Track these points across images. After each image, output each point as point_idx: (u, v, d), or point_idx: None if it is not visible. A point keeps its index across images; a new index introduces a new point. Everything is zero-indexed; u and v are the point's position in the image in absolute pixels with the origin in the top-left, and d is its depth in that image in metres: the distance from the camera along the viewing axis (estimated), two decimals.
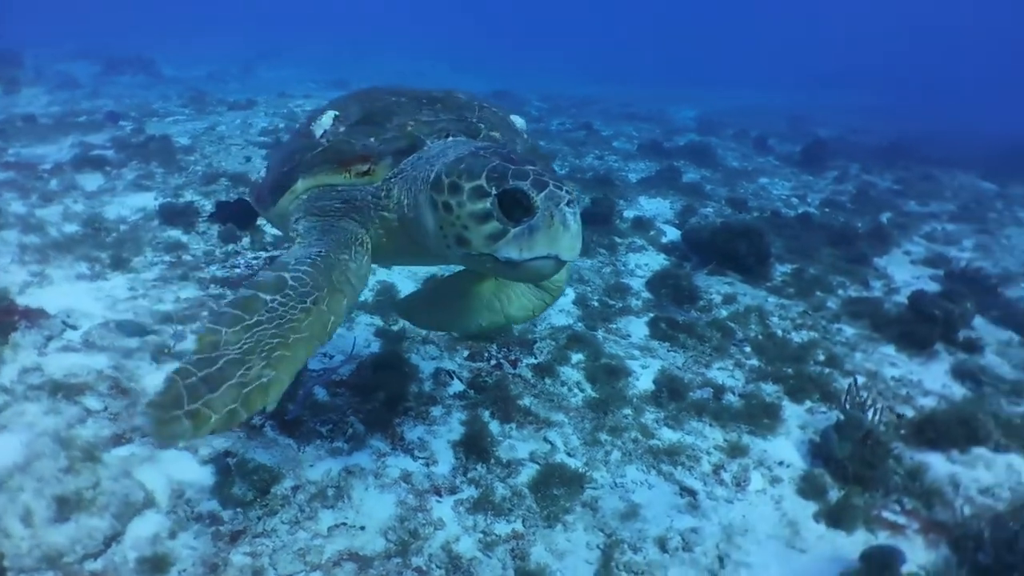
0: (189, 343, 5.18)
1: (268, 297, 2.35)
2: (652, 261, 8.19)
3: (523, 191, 2.25)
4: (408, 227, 2.79)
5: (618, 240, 8.60)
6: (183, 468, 3.76)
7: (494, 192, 2.28)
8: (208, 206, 8.31)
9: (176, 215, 7.80)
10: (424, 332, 5.66)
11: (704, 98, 30.68)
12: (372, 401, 4.63)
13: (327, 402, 4.62)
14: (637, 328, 6.33)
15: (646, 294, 7.15)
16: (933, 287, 8.34)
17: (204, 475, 3.75)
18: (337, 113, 3.00)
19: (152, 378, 4.53)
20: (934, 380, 6.07)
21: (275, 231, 7.70)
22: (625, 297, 6.95)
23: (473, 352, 5.55)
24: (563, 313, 6.50)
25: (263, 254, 7.20)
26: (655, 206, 10.58)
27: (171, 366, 4.82)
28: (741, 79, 39.80)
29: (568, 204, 2.28)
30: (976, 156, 18.45)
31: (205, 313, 5.77)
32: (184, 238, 7.36)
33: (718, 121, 23.07)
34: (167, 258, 6.87)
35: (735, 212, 10.80)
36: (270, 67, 28.89)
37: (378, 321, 6.02)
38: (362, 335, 5.74)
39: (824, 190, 13.97)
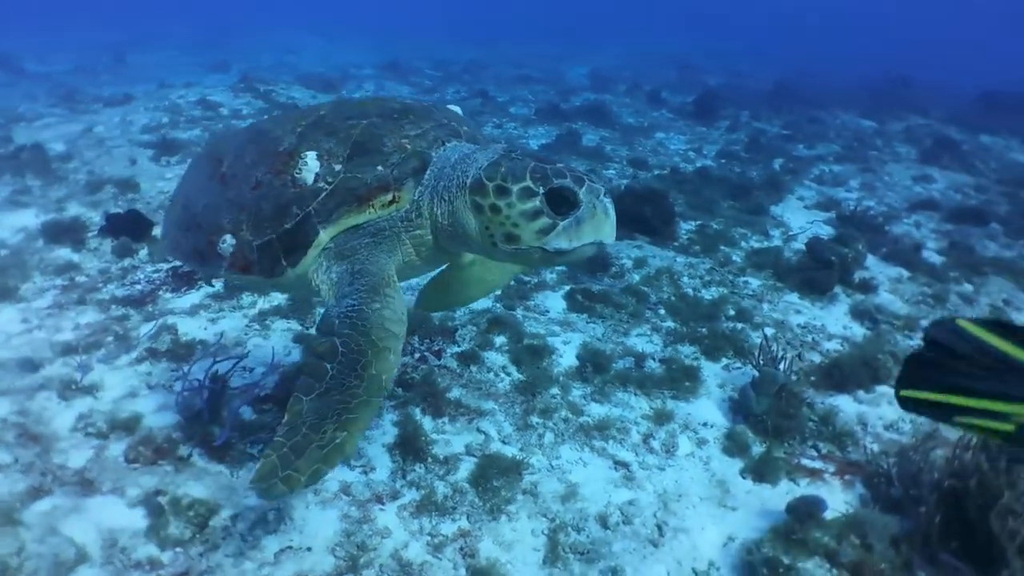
0: (99, 374, 4.95)
1: (328, 365, 2.56)
2: None
3: (569, 188, 2.50)
4: (443, 237, 2.92)
5: None
6: (112, 514, 3.60)
7: (542, 191, 2.51)
8: (96, 218, 7.85)
9: (62, 232, 7.33)
10: None
11: (592, 51, 30.97)
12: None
13: (254, 420, 4.51)
14: (555, 303, 6.42)
15: (560, 266, 7.23)
16: (827, 231, 8.80)
17: (136, 519, 3.60)
18: (317, 152, 2.84)
19: (63, 419, 4.31)
20: (836, 323, 6.43)
21: None
22: (539, 271, 7.02)
23: None
24: None
25: (164, 266, 6.87)
26: None
27: (82, 402, 4.64)
28: (622, 27, 40.46)
29: (604, 195, 2.56)
30: (852, 94, 19.43)
31: (111, 339, 5.50)
32: (75, 257, 6.95)
33: (610, 76, 23.35)
34: (59, 281, 6.48)
35: (637, 172, 11.02)
36: (142, 52, 27.24)
37: (295, 325, 5.88)
38: (280, 342, 5.61)
39: (718, 141, 14.41)
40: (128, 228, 7.30)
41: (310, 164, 2.81)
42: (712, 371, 5.42)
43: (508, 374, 5.22)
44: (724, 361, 5.58)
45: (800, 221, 9.26)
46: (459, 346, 5.55)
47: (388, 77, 21.42)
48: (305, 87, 16.24)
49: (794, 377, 5.16)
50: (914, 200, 10.59)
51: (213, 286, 6.39)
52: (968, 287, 7.39)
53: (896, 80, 20.55)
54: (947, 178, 11.98)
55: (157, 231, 7.43)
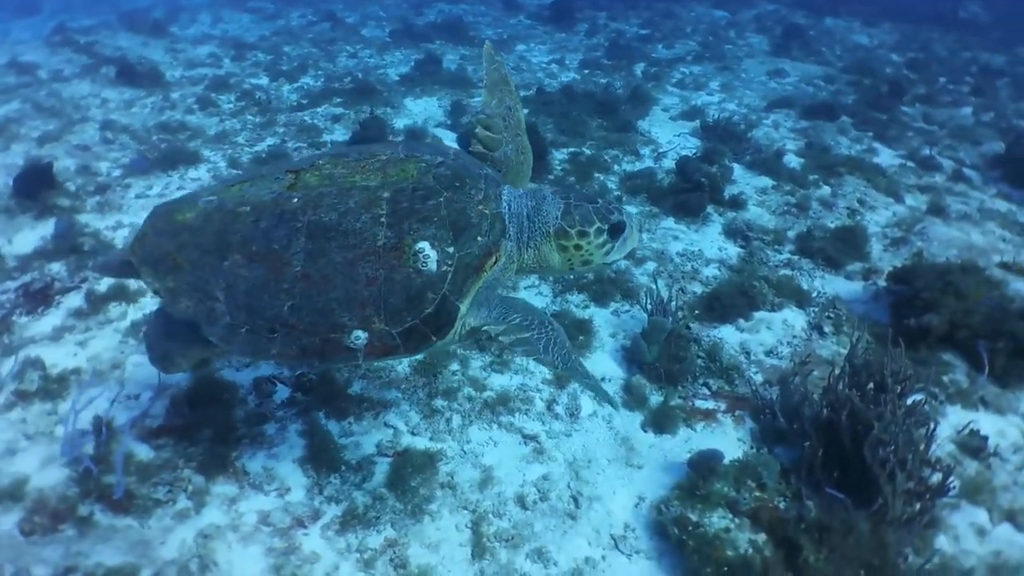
0: None
1: (528, 335, 3.22)
2: None
3: (622, 221, 3.53)
4: (523, 269, 3.70)
5: None
6: None
7: (606, 227, 3.49)
8: None
9: None
10: None
11: None
12: (200, 442, 4.38)
13: (153, 459, 4.29)
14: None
15: None
16: (694, 144, 9.03)
17: None
18: (428, 242, 3.16)
19: None
20: (712, 245, 6.71)
21: (15, 251, 6.74)
22: None
23: None
24: None
25: (11, 284, 6.24)
26: (423, 108, 10.34)
27: None
28: None
29: (632, 218, 3.62)
30: None
31: None
32: None
33: None
34: None
35: None
36: None
37: None
38: None
39: (579, 48, 14.30)
40: None
41: (430, 254, 3.14)
42: (603, 319, 5.57)
43: None
44: (613, 306, 5.74)
45: (668, 135, 9.44)
46: None
47: (223, 5, 19.75)
48: (132, 32, 14.75)
49: (680, 315, 5.39)
50: (771, 98, 10.97)
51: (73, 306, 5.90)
52: (826, 190, 7.83)
53: None
54: (798, 70, 12.45)
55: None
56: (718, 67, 12.60)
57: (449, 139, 9.13)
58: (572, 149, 8.71)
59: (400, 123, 9.66)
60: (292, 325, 3.17)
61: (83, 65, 12.53)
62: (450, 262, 3.16)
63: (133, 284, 6.16)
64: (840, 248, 6.53)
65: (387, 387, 4.86)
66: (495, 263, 3.37)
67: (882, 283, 5.95)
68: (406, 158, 3.42)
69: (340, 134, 9.32)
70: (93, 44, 13.56)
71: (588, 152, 8.67)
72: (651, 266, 6.26)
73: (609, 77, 12.04)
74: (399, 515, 3.91)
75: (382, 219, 3.17)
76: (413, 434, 4.48)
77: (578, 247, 3.52)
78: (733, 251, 6.65)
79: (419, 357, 5.75)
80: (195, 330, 3.34)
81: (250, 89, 11.32)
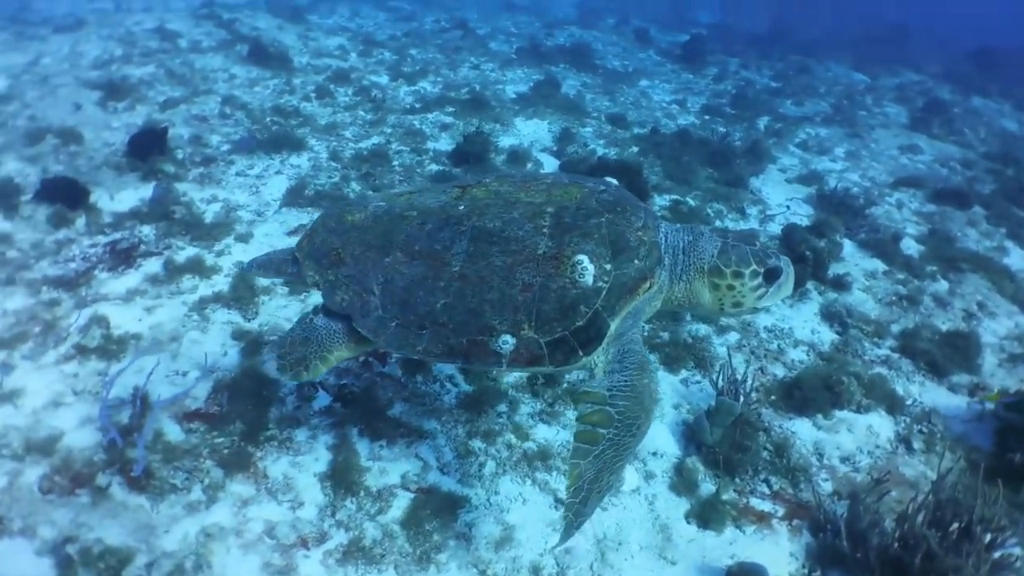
0: (22, 374, 4.65)
1: (605, 431, 3.03)
2: None
3: (779, 266, 3.48)
4: (671, 304, 3.65)
5: None
6: (18, 564, 3.37)
7: (762, 271, 3.45)
8: (34, 177, 7.36)
9: None
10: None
11: None
12: (230, 435, 4.29)
13: (180, 443, 4.23)
14: None
15: None
16: (806, 211, 8.49)
17: (43, 569, 3.38)
18: (588, 255, 3.23)
19: None
20: (804, 325, 6.20)
21: (114, 207, 6.95)
22: None
23: None
24: None
25: (102, 239, 6.45)
26: (533, 130, 10.17)
27: (2, 411, 4.34)
28: None
29: (789, 264, 3.58)
30: (848, 42, 18.74)
31: (38, 329, 5.16)
32: (7, 226, 6.50)
33: (599, 8, 22.39)
34: None
35: (615, 130, 10.54)
36: None
37: (236, 317, 5.55)
38: (218, 338, 5.28)
39: (704, 92, 13.86)
40: (64, 195, 6.83)
41: (588, 267, 3.20)
42: (669, 385, 5.19)
43: (455, 384, 4.96)
44: (684, 373, 5.35)
45: (780, 197, 8.92)
46: None
47: (364, 1, 20.31)
48: (272, 15, 15.30)
49: (754, 396, 4.95)
50: (899, 174, 10.23)
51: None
52: (943, 285, 7.15)
53: (894, 29, 19.79)
54: (935, 148, 11.60)
55: (96, 198, 7.00)
56: (847, 133, 11.90)
57: (551, 165, 8.93)
58: (675, 196, 8.33)
59: (506, 142, 9.52)
60: (442, 323, 3.27)
61: (220, 40, 13.05)
62: (606, 279, 3.23)
63: (209, 260, 6.23)
64: (948, 354, 5.89)
65: (428, 415, 4.65)
66: (648, 288, 3.37)
67: (990, 404, 5.30)
68: (570, 183, 3.56)
69: (445, 143, 9.26)
70: (234, 21, 14.13)
71: (692, 202, 8.27)
72: (733, 337, 5.82)
73: (729, 126, 11.57)
74: (405, 558, 3.68)
75: (544, 230, 3.28)
76: (442, 472, 4.25)
77: (731, 287, 3.49)
78: (827, 336, 6.12)
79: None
80: (346, 323, 3.51)
81: (368, 86, 11.47)
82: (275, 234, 6.80)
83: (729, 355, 5.20)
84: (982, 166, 11.05)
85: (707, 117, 12.12)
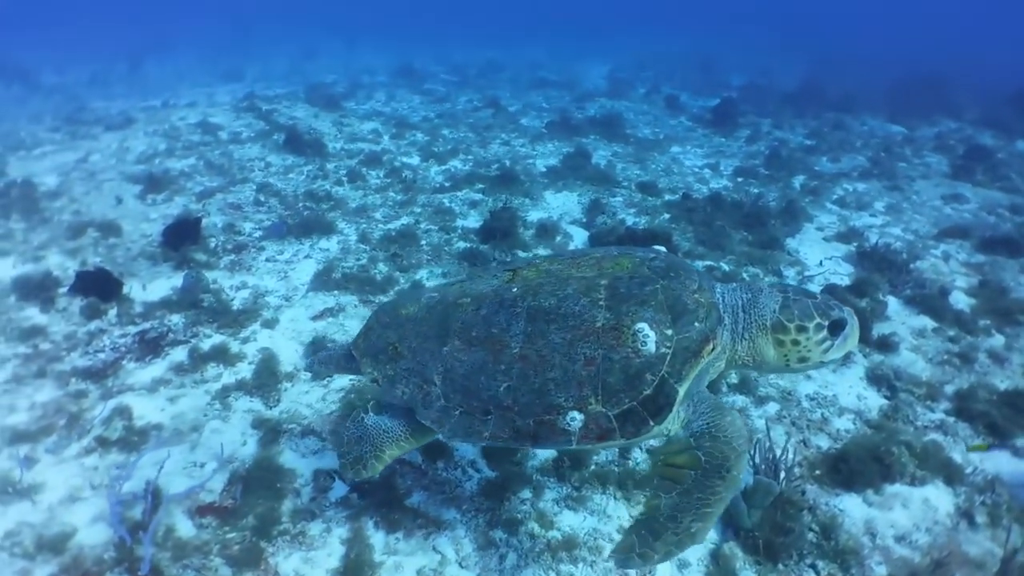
0: (43, 468, 4.63)
1: (691, 472, 3.00)
2: None
3: (843, 319, 3.40)
4: (734, 364, 3.56)
5: (521, 255, 8.15)
6: None
7: (826, 323, 3.36)
8: (72, 270, 7.56)
9: (33, 289, 7.04)
10: (305, 423, 5.18)
11: (618, 45, 30.21)
12: (242, 529, 4.14)
13: (191, 538, 4.10)
14: None
15: None
16: (846, 270, 8.17)
17: None
18: (647, 323, 3.19)
19: None
20: (849, 392, 5.85)
21: (146, 297, 7.05)
22: None
23: None
24: None
25: (132, 329, 6.53)
26: (562, 202, 10.13)
27: (17, 509, 4.31)
28: (653, 17, 39.50)
29: (852, 315, 3.49)
30: (882, 95, 18.52)
31: (63, 422, 5.17)
32: (42, 319, 6.64)
33: (630, 78, 22.72)
34: (22, 349, 6.19)
35: (645, 198, 10.44)
36: (160, 59, 27.21)
37: (258, 405, 5.48)
38: (239, 427, 5.21)
39: (737, 154, 13.73)
40: (97, 287, 6.97)
41: (649, 335, 3.17)
42: None
43: (477, 470, 4.75)
44: None
45: (818, 256, 8.62)
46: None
47: (401, 84, 20.99)
48: (309, 104, 15.85)
49: (796, 471, 4.63)
50: (944, 225, 9.85)
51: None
52: (999, 340, 6.73)
53: (929, 80, 19.54)
54: (980, 196, 11.19)
55: (129, 289, 7.12)
56: (886, 186, 11.58)
57: (580, 237, 8.83)
58: (708, 262, 8.12)
59: (534, 216, 9.48)
60: (507, 407, 3.24)
61: (259, 130, 13.51)
62: (669, 344, 3.18)
63: (234, 347, 6.23)
64: (1009, 415, 5.47)
65: (448, 504, 4.45)
66: (712, 350, 3.31)
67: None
68: (620, 255, 3.57)
69: (473, 220, 9.27)
70: (272, 112, 14.65)
71: (726, 267, 8.04)
72: (773, 408, 5.51)
73: (763, 188, 11.37)
74: None
75: (601, 302, 3.27)
76: (461, 566, 4.02)
77: (796, 342, 3.40)
78: (874, 401, 5.75)
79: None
80: (399, 418, 3.58)
81: (399, 167, 11.65)
82: (301, 319, 6.79)
83: (767, 428, 4.89)
84: None
85: (740, 179, 11.95)
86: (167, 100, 16.66)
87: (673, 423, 3.24)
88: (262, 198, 10.03)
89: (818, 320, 3.36)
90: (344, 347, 4.12)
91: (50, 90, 20.81)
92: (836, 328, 3.39)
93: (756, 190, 11.09)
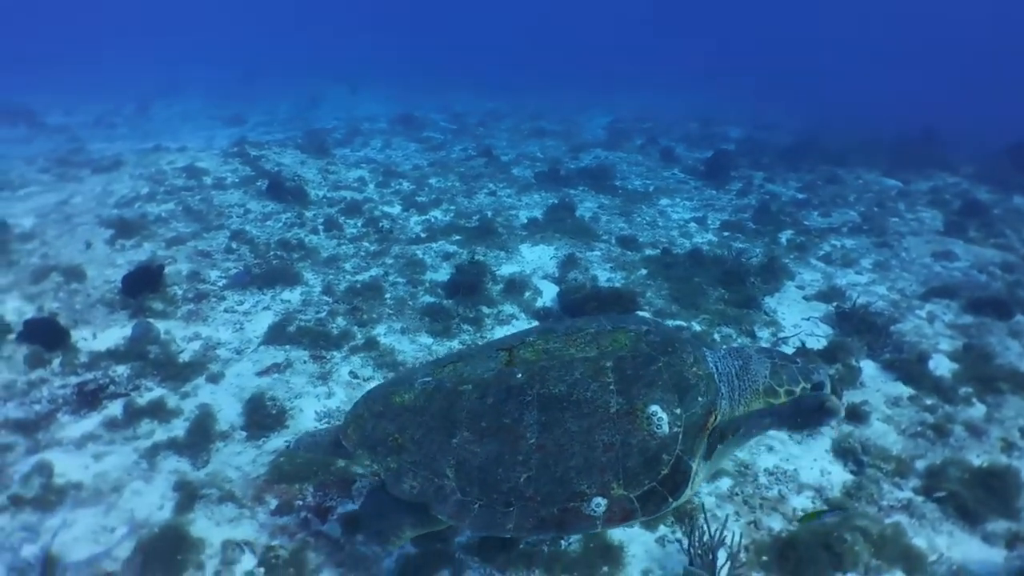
0: None
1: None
2: None
3: (823, 381, 3.80)
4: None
5: (486, 311, 7.89)
6: None
7: (809, 387, 3.71)
8: (30, 313, 7.40)
9: None
10: (226, 487, 4.89)
11: (622, 99, 30.28)
12: None
13: None
14: None
15: None
16: (824, 331, 7.85)
17: None
18: (658, 405, 3.42)
19: None
20: (812, 467, 5.49)
21: (94, 346, 6.85)
22: None
23: (283, 501, 4.79)
24: None
25: (73, 379, 6.31)
26: (538, 256, 9.90)
27: None
28: (657, 72, 39.83)
29: (827, 376, 3.93)
30: (878, 148, 18.34)
31: None
32: None
33: (629, 129, 22.69)
34: None
35: (624, 253, 10.20)
36: (169, 101, 27.59)
37: (185, 466, 5.22)
38: (159, 489, 4.94)
39: (726, 207, 13.51)
40: (43, 336, 6.77)
41: (663, 416, 3.38)
42: (642, 546, 4.52)
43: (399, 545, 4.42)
44: (662, 530, 4.69)
45: (796, 316, 8.32)
46: (354, 502, 4.78)
47: (398, 132, 21.03)
48: (300, 150, 15.81)
49: (743, 556, 4.27)
50: (931, 283, 9.53)
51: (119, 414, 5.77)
52: (980, 410, 6.38)
53: (924, 133, 19.39)
54: (972, 253, 10.88)
55: (78, 338, 6.92)
56: (875, 242, 11.29)
57: (550, 292, 8.58)
58: (679, 322, 7.81)
59: (507, 269, 9.25)
60: (529, 497, 3.26)
61: (244, 176, 13.44)
62: (679, 423, 3.40)
63: (172, 402, 6.01)
64: (981, 497, 5.11)
65: None
66: (714, 421, 3.56)
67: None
68: (613, 329, 3.73)
69: (444, 273, 9.04)
70: (260, 158, 14.61)
71: (697, 327, 7.74)
72: (726, 483, 5.17)
73: (749, 242, 11.12)
74: None
75: (611, 387, 3.41)
76: None
77: (784, 406, 3.80)
78: (839, 477, 5.40)
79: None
80: (422, 510, 3.46)
81: (378, 216, 11.49)
82: (246, 374, 6.55)
83: (704, 511, 4.53)
84: None
85: (726, 234, 11.71)
86: (159, 144, 16.69)
87: (692, 490, 3.46)
88: (234, 245, 9.86)
89: (803, 384, 3.76)
90: (330, 433, 4.04)
91: (53, 131, 21.04)
92: (817, 389, 3.83)
93: (740, 245, 10.83)
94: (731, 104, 29.44)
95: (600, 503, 3.22)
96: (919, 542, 4.66)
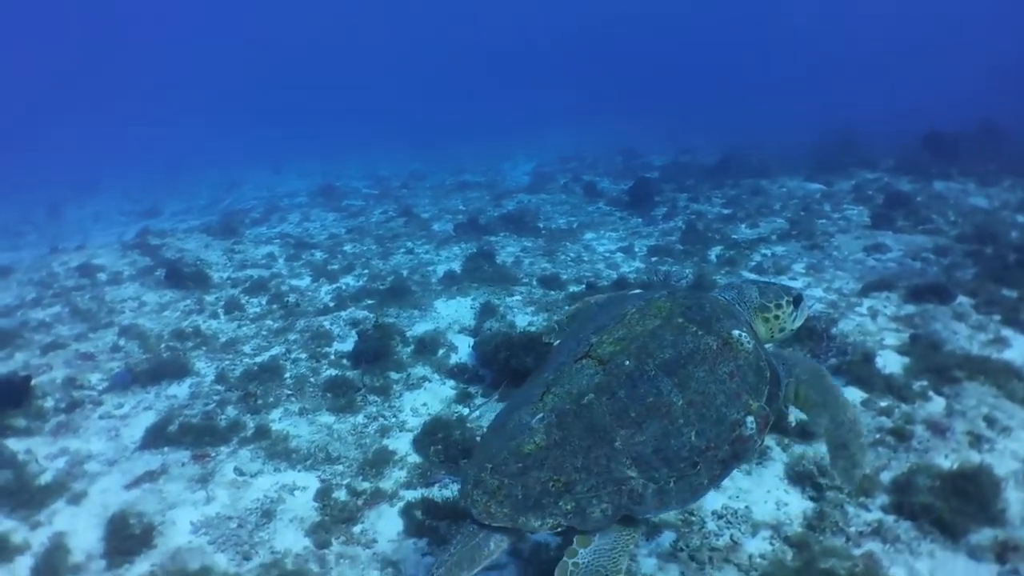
0: None
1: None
2: (433, 398, 6.70)
3: (800, 295, 4.38)
4: None
5: (394, 377, 7.10)
6: None
7: (791, 299, 4.31)
8: None
9: None
10: None
11: (545, 142, 30.14)
12: None
13: None
14: (389, 524, 4.80)
15: (413, 457, 5.64)
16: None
17: None
18: (736, 330, 3.81)
19: None
20: (766, 499, 4.79)
21: None
22: (382, 473, 5.42)
23: None
24: (292, 523, 4.92)
25: None
26: (454, 310, 9.16)
27: None
28: (583, 108, 40.30)
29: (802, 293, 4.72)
30: (800, 156, 18.33)
31: None
32: None
33: (553, 171, 22.38)
34: None
35: (546, 294, 9.55)
36: (81, 204, 26.47)
37: None
38: None
39: (652, 234, 13.04)
40: None
41: (744, 335, 3.78)
42: None
43: None
44: None
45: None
46: None
47: (318, 204, 20.31)
48: (206, 234, 14.96)
49: None
50: (868, 278, 9.08)
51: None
52: (939, 403, 5.80)
53: (841, 135, 19.49)
54: (902, 242, 10.54)
55: None
56: (805, 246, 10.87)
57: (465, 345, 7.83)
58: None
59: (420, 328, 8.48)
60: (706, 448, 3.41)
61: (141, 267, 12.50)
62: (750, 338, 3.80)
63: (19, 536, 5.09)
64: (958, 505, 4.45)
65: None
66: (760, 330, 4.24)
67: None
68: (647, 303, 3.95)
69: (351, 343, 8.21)
70: (160, 247, 13.70)
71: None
72: (668, 538, 4.41)
73: (678, 264, 10.60)
74: None
75: (699, 332, 3.70)
76: None
77: (776, 317, 4.22)
78: (797, 507, 4.70)
79: None
80: (625, 522, 3.33)
81: (285, 291, 10.67)
82: (114, 489, 5.63)
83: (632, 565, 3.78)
84: (958, 250, 9.93)
85: (654, 259, 11.18)
86: (55, 245, 15.66)
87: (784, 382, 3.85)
88: (122, 342, 8.92)
89: (787, 297, 4.28)
90: (466, 543, 3.29)
91: None
92: (798, 302, 4.32)
93: (668, 268, 10.28)
94: (655, 133, 29.58)
95: (750, 421, 3.49)
96: (898, 573, 3.95)
